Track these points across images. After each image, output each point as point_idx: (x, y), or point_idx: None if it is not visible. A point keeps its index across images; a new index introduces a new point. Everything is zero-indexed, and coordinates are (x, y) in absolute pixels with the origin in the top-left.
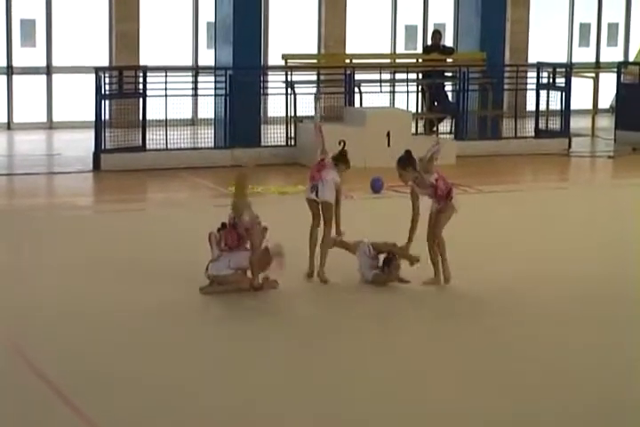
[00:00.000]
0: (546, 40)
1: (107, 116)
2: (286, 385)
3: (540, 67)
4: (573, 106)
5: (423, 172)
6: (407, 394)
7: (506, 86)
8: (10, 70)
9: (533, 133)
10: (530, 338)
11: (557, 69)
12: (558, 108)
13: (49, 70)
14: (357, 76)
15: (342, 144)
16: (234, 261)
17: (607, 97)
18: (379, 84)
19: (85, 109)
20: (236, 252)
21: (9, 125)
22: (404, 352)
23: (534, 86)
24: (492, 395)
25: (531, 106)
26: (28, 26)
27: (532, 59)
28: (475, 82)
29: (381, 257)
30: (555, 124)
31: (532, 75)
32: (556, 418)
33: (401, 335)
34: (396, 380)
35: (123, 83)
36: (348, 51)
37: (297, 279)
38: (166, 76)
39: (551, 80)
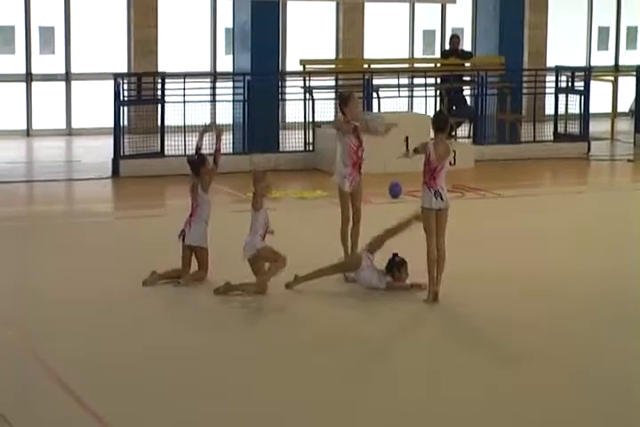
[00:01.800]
0: (564, 44)
1: (125, 123)
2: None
3: (558, 70)
4: (592, 109)
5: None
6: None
7: (524, 90)
8: (29, 77)
9: (552, 137)
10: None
11: (576, 73)
12: (577, 111)
13: (68, 77)
14: (375, 81)
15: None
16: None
17: (626, 100)
18: (397, 88)
19: (104, 116)
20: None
21: (28, 132)
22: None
23: (553, 90)
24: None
25: (549, 110)
26: (46, 33)
27: (550, 62)
28: (493, 86)
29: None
30: (574, 127)
31: (550, 79)
32: None
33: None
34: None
35: (141, 89)
36: (366, 56)
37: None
38: (184, 82)
39: (570, 84)
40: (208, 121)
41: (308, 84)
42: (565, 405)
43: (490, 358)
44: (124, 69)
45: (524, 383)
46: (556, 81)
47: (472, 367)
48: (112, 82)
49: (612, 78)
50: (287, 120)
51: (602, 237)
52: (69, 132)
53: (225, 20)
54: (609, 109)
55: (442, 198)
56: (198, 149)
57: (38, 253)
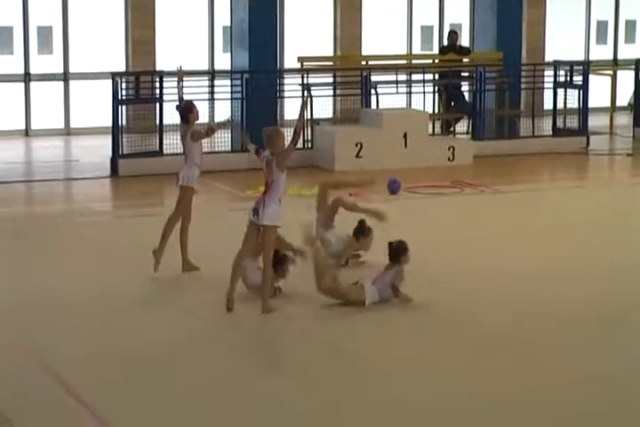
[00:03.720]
0: (563, 38)
1: (124, 122)
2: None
3: (557, 65)
4: (591, 104)
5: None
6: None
7: (523, 85)
8: (27, 77)
9: (551, 132)
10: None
11: (575, 67)
12: (576, 106)
13: (66, 77)
14: (374, 78)
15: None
16: None
17: (625, 94)
18: (395, 85)
19: (103, 115)
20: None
21: (27, 132)
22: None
23: (551, 85)
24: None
25: (548, 105)
26: (44, 33)
27: (548, 57)
28: (491, 81)
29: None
30: (572, 122)
31: (549, 73)
32: None
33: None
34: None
35: (139, 88)
36: (364, 52)
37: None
38: (182, 80)
39: (568, 78)
40: (207, 119)
41: (306, 82)
42: (572, 405)
43: (492, 355)
44: (122, 68)
45: (537, 384)
46: (555, 76)
47: (475, 365)
48: (110, 81)
49: (610, 72)
50: (285, 118)
51: (602, 231)
52: (68, 131)
53: (222, 18)
54: (608, 104)
55: (258, 215)
56: (181, 98)
57: (38, 253)
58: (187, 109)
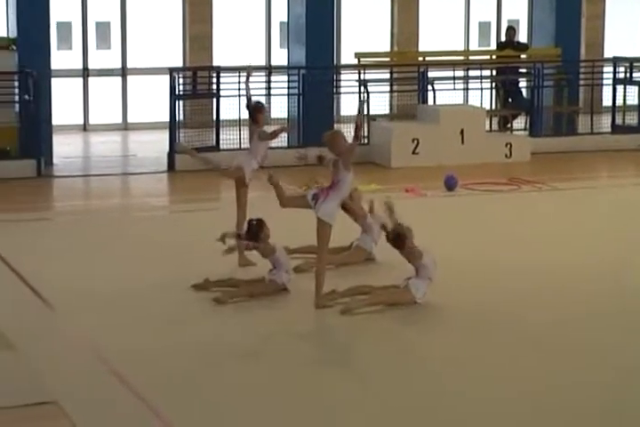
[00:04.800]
0: (622, 34)
1: (181, 117)
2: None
3: (616, 61)
4: None
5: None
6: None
7: (581, 82)
8: (85, 72)
9: (610, 129)
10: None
11: (634, 64)
12: (635, 102)
13: (124, 72)
14: (430, 74)
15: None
16: None
17: None
18: (452, 81)
19: (160, 110)
20: None
21: (85, 127)
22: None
23: (610, 81)
24: None
25: (607, 101)
26: (103, 28)
27: (607, 53)
28: (549, 78)
29: None
30: (632, 119)
31: (608, 70)
32: None
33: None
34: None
35: (196, 83)
36: (421, 48)
37: None
38: (239, 76)
39: (628, 75)
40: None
41: (362, 78)
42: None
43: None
44: (180, 64)
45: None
46: (614, 72)
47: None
48: (167, 76)
49: None
50: (342, 113)
51: None
52: (125, 126)
53: (280, 13)
54: None
55: (315, 203)
56: (249, 97)
57: (96, 247)
58: (257, 110)
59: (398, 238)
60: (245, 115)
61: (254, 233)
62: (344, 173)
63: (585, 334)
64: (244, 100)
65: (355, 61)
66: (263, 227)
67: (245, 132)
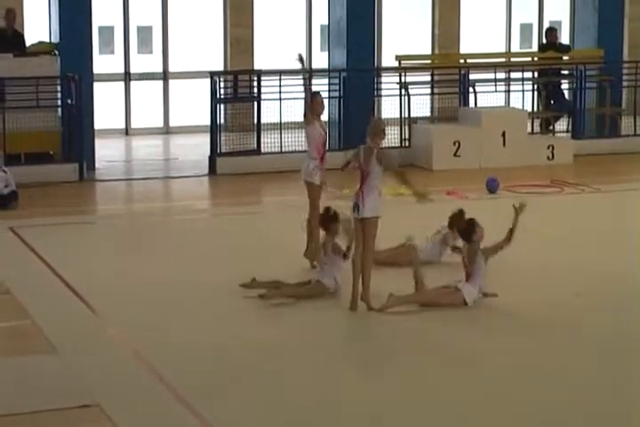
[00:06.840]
0: None
1: (222, 121)
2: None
3: None
4: None
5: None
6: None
7: (624, 83)
8: (127, 76)
9: None
10: None
11: None
12: None
13: (165, 76)
14: (472, 76)
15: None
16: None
17: None
18: (494, 83)
19: (201, 114)
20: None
21: (127, 131)
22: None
23: None
24: None
25: None
26: (144, 33)
27: None
28: (592, 79)
29: None
30: None
31: None
32: None
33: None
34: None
35: (237, 87)
36: (463, 50)
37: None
38: (280, 79)
39: None
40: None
41: (403, 80)
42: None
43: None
44: (221, 68)
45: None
46: None
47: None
48: (209, 80)
49: None
50: (383, 116)
51: None
52: (167, 130)
53: (320, 16)
54: None
55: (358, 210)
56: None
57: (138, 250)
58: (313, 95)
59: (471, 226)
60: (286, 118)
61: (330, 218)
62: (374, 164)
63: None
64: (284, 104)
65: (395, 64)
66: (338, 218)
67: (288, 135)
